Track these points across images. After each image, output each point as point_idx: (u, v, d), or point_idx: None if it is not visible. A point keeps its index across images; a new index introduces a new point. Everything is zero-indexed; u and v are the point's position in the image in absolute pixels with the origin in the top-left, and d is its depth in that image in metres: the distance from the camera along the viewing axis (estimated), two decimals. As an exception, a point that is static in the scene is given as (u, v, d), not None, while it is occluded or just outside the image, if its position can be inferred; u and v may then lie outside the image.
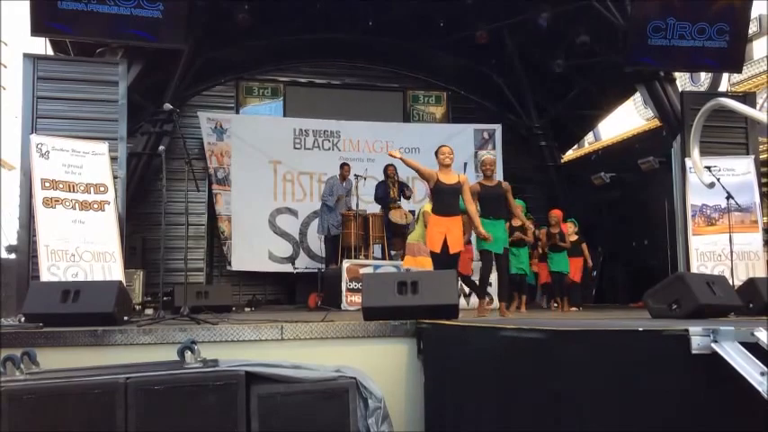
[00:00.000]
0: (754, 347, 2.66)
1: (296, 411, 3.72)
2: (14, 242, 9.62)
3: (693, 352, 2.73)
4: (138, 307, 8.40)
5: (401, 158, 6.58)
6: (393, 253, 9.98)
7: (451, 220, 6.52)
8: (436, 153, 6.71)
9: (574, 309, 8.77)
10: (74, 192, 7.23)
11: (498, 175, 12.51)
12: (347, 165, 10.46)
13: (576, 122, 12.98)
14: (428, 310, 4.89)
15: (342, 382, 3.87)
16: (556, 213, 9.07)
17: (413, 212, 10.10)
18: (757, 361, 2.59)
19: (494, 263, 7.03)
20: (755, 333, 2.68)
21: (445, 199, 6.53)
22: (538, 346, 3.35)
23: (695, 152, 6.67)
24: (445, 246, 6.43)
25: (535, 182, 12.77)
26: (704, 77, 16.34)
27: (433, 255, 6.55)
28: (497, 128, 12.80)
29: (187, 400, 3.60)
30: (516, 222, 8.30)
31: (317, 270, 10.47)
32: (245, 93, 12.49)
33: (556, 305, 9.01)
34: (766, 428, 2.54)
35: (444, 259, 6.39)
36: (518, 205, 7.90)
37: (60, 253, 6.97)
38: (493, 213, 6.93)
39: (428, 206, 8.00)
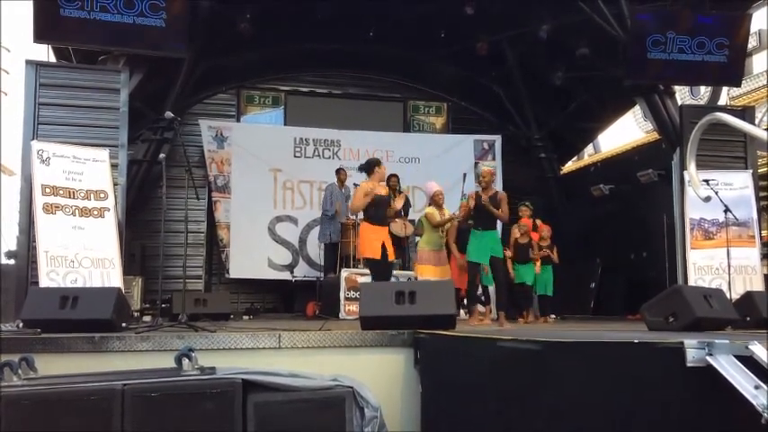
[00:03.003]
0: (748, 361, 2.67)
1: (292, 420, 3.72)
2: (14, 248, 9.61)
3: (688, 365, 2.74)
4: (136, 314, 8.40)
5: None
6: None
7: (386, 229, 6.96)
8: (376, 167, 6.94)
9: (551, 319, 8.58)
10: (74, 198, 7.24)
11: (498, 186, 12.64)
12: (343, 170, 10.56)
13: (575, 134, 13.02)
14: (425, 320, 4.90)
15: (338, 391, 3.87)
16: (525, 222, 8.74)
17: (412, 222, 10.12)
18: (752, 374, 2.60)
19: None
20: (750, 347, 2.70)
21: (380, 210, 6.86)
22: (534, 358, 3.36)
23: (692, 166, 6.71)
24: (384, 253, 6.70)
25: (534, 193, 12.76)
26: (704, 91, 16.37)
27: (373, 262, 6.78)
28: (497, 139, 12.84)
29: (184, 407, 3.60)
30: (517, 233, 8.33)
31: (315, 279, 10.47)
32: (246, 101, 12.53)
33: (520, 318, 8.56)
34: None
35: (384, 266, 6.76)
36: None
37: (60, 259, 6.98)
38: (483, 225, 7.07)
39: (429, 209, 8.06)
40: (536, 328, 7.30)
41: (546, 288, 8.67)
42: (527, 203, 9.25)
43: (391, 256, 6.78)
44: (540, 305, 8.68)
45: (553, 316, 9.03)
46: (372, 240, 6.71)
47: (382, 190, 6.92)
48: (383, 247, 6.68)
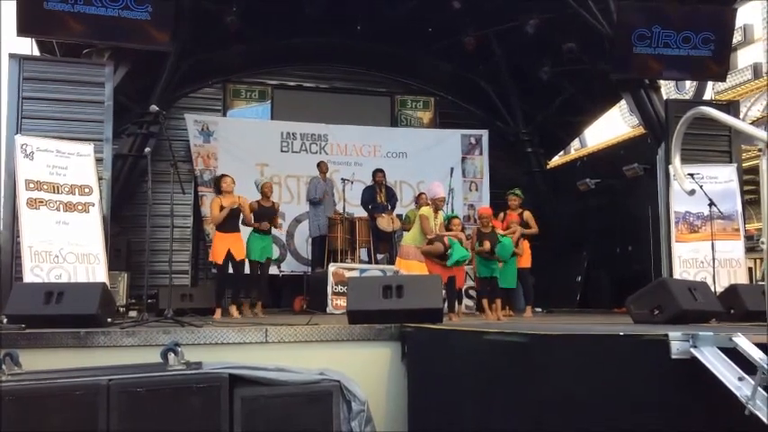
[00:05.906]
0: (732, 353, 2.69)
1: (279, 414, 3.73)
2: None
3: (673, 357, 2.76)
4: (121, 309, 8.36)
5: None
6: (380, 257, 9.99)
7: (235, 236, 7.91)
8: (220, 180, 8.19)
9: (510, 315, 8.32)
10: (58, 193, 7.18)
11: (485, 181, 12.70)
12: (323, 162, 10.55)
13: (562, 129, 13.04)
14: (413, 314, 4.91)
15: (325, 385, 3.88)
16: (485, 212, 8.15)
17: (400, 216, 10.13)
18: (735, 366, 2.63)
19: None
20: (734, 338, 2.72)
21: (230, 219, 7.84)
22: (521, 350, 3.38)
23: (677, 160, 6.72)
24: (228, 257, 7.77)
25: (521, 187, 12.65)
26: (689, 86, 16.50)
27: (217, 265, 7.91)
28: (484, 133, 12.83)
29: (170, 402, 3.59)
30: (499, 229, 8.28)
31: (302, 273, 10.44)
32: (232, 95, 12.45)
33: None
34: (744, 432, 2.57)
35: (222, 268, 7.87)
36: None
37: (44, 254, 6.92)
38: (263, 231, 8.29)
39: (424, 209, 8.04)
40: (522, 321, 7.32)
41: (507, 281, 8.39)
42: (516, 192, 9.00)
43: (239, 257, 7.88)
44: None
45: (540, 310, 9.00)
46: (218, 247, 7.87)
47: (232, 201, 7.92)
48: (229, 252, 7.79)
